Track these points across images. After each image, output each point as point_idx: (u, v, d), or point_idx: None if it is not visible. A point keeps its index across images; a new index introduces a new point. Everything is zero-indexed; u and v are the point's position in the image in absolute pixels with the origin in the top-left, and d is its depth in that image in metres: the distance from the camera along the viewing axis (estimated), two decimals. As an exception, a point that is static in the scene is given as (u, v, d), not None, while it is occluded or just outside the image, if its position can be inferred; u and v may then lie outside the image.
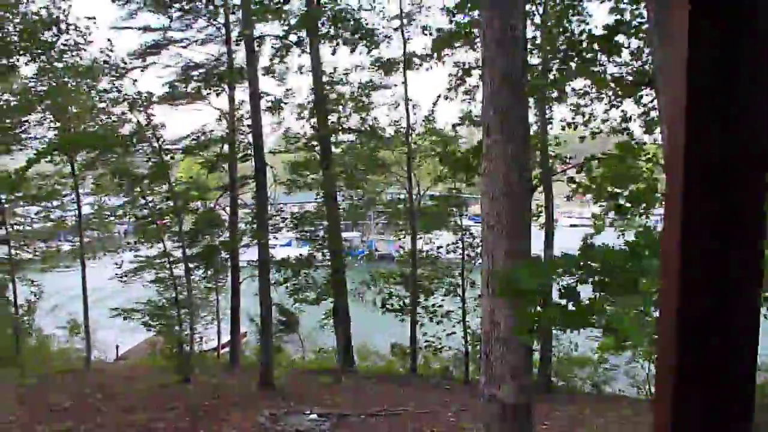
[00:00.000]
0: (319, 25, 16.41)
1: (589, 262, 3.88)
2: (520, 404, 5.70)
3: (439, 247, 16.15)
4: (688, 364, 0.64)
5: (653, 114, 11.98)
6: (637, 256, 3.88)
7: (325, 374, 15.96)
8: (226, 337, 18.62)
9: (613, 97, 11.83)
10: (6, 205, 17.18)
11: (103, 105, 16.19)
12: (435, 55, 15.46)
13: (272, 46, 16.59)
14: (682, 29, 0.60)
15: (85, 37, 15.58)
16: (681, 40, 0.60)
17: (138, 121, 15.32)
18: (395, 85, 17.32)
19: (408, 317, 16.23)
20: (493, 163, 5.74)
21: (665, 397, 0.65)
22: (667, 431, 0.64)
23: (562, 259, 4.01)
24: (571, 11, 11.89)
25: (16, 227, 18.13)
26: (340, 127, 17.77)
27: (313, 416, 11.09)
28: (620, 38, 10.26)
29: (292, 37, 16.56)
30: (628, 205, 11.67)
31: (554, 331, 14.26)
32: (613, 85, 10.28)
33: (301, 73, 17.41)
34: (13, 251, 16.99)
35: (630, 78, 10.35)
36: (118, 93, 15.55)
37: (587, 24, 11.56)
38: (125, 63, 16.00)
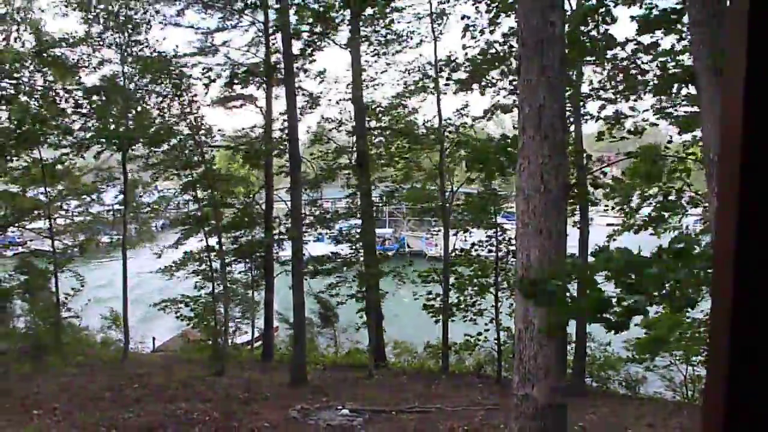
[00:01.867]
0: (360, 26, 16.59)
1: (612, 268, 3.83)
2: (553, 404, 5.64)
3: (472, 245, 16.01)
4: (742, 373, 0.62)
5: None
6: (666, 261, 3.81)
7: (357, 370, 16.03)
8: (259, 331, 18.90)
9: (651, 96, 11.58)
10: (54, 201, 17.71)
11: (157, 103, 16.81)
12: (472, 74, 15.39)
13: (306, 42, 16.69)
14: (742, 24, 0.58)
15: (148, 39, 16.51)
16: (740, 36, 0.58)
17: (190, 119, 15.72)
18: (430, 87, 17.20)
19: (440, 316, 16.15)
20: (528, 160, 5.67)
21: (717, 405, 0.63)
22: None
23: (590, 263, 3.95)
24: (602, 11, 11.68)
25: (59, 220, 18.64)
26: (377, 127, 17.84)
27: (345, 411, 11.15)
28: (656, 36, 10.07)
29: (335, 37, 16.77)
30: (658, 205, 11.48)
31: (588, 330, 14.11)
32: (656, 81, 10.06)
33: (333, 81, 17.56)
34: (56, 243, 17.48)
35: (668, 76, 10.12)
36: (171, 92, 16.02)
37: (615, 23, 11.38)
38: (180, 63, 16.46)
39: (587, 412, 11.15)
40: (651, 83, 10.64)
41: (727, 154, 0.63)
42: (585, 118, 13.98)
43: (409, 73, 17.40)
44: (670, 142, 11.18)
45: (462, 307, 15.58)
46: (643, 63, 10.72)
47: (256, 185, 18.56)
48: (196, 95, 15.95)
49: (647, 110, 12.48)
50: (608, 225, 15.10)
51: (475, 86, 15.58)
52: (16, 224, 17.83)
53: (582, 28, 11.67)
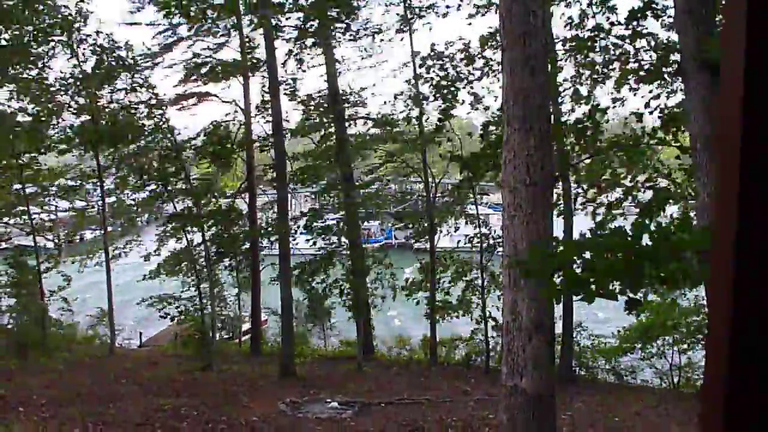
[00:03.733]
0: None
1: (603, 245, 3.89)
2: (542, 394, 5.66)
3: (458, 241, 16.07)
4: (741, 371, 0.60)
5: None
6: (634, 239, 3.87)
7: (346, 363, 16.03)
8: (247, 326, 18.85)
9: (635, 85, 11.58)
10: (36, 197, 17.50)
11: (121, 102, 16.39)
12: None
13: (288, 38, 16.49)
14: (740, 14, 0.56)
15: (108, 35, 15.80)
16: (739, 25, 0.56)
17: (155, 116, 15.50)
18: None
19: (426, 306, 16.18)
20: (513, 152, 5.66)
21: (716, 405, 0.62)
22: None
23: (582, 241, 4.02)
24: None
25: (40, 217, 18.44)
26: (354, 117, 17.63)
27: (334, 404, 11.15)
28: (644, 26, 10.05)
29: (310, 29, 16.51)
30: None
31: (576, 319, 14.20)
32: (638, 72, 10.06)
33: (308, 68, 17.33)
34: (39, 242, 17.34)
35: (653, 65, 10.12)
36: (135, 90, 15.74)
37: (613, 12, 11.34)
38: (145, 59, 16.14)
39: (575, 401, 11.25)
40: (637, 73, 10.65)
41: (726, 153, 0.61)
42: (564, 109, 13.97)
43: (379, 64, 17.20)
44: (654, 129, 11.17)
45: (449, 303, 15.61)
46: (630, 53, 10.72)
47: (235, 182, 18.40)
48: (157, 92, 15.75)
49: (625, 99, 12.50)
50: (594, 213, 15.07)
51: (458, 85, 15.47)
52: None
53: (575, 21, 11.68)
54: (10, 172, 16.61)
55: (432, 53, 15.39)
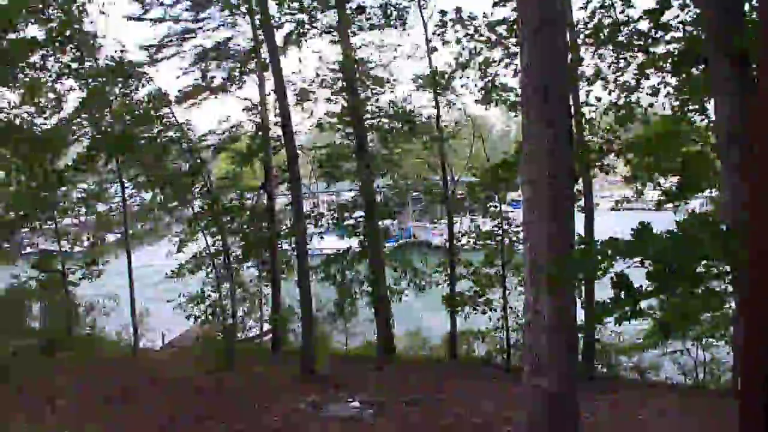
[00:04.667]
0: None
1: (641, 249, 3.67)
2: (564, 393, 5.60)
3: (477, 227, 15.90)
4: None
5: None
6: (692, 242, 3.68)
7: (366, 362, 16.03)
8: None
9: (659, 77, 11.40)
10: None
11: (127, 106, 16.34)
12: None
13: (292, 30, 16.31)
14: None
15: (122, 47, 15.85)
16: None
17: (164, 120, 15.52)
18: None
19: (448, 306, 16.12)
20: (533, 146, 5.59)
21: (755, 409, 0.58)
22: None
23: (614, 245, 3.81)
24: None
25: (64, 224, 18.76)
26: (372, 110, 17.31)
27: (355, 404, 11.15)
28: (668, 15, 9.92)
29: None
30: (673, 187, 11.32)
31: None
32: (663, 63, 9.91)
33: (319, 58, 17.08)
34: (65, 244, 17.71)
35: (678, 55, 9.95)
36: (137, 90, 15.78)
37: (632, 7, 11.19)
38: (148, 57, 16.16)
39: (598, 399, 11.12)
40: (662, 63, 10.48)
41: (764, 152, 0.57)
42: (587, 100, 13.79)
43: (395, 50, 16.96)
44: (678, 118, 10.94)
45: (471, 297, 15.50)
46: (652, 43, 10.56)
47: (254, 182, 18.45)
48: (167, 92, 15.72)
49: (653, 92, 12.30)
50: (613, 210, 14.92)
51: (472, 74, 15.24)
52: (27, 225, 17.92)
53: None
54: (38, 180, 16.88)
55: (454, 17, 14.85)
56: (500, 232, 15.04)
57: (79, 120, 16.64)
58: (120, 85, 15.79)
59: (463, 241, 16.52)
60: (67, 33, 15.26)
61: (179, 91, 16.96)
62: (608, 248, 3.69)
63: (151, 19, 16.93)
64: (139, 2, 16.64)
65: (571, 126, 6.26)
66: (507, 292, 14.78)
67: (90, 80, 15.87)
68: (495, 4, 14.45)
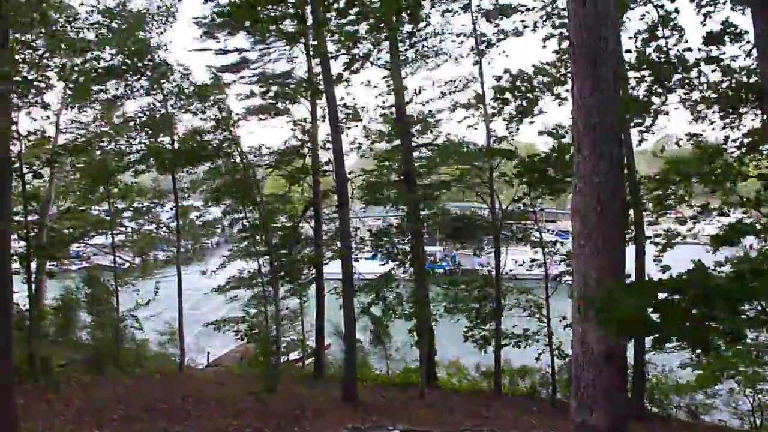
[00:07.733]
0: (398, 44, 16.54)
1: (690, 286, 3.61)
2: (613, 431, 5.45)
3: (520, 265, 15.77)
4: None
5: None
6: (741, 280, 3.60)
7: (408, 389, 15.89)
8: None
9: (715, 113, 11.18)
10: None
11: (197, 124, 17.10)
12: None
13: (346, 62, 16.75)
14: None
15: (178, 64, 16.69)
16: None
17: (227, 137, 16.05)
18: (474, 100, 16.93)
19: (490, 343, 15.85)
20: (584, 180, 5.55)
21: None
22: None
23: (664, 283, 3.75)
24: (663, 24, 11.42)
25: (118, 237, 19.44)
26: (420, 142, 17.51)
27: (396, 432, 11.06)
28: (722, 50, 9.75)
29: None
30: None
31: (647, 355, 13.55)
32: (716, 97, 9.73)
33: (375, 91, 17.46)
34: (117, 259, 18.32)
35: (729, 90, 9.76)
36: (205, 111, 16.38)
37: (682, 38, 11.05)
38: (218, 83, 16.82)
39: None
40: (716, 97, 10.30)
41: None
42: (639, 130, 13.61)
43: (451, 93, 17.14)
44: (738, 159, 10.63)
45: (513, 333, 15.30)
46: (707, 80, 10.38)
47: (302, 202, 18.74)
48: (234, 113, 16.28)
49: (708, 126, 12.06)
50: (654, 243, 14.33)
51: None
52: (82, 240, 18.67)
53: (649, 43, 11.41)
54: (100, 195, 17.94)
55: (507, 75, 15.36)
56: (543, 263, 14.87)
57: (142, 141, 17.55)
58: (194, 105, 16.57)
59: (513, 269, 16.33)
60: (143, 62, 16.36)
61: (243, 109, 17.73)
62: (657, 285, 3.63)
63: (217, 51, 18.13)
64: (207, 35, 17.65)
65: (621, 158, 6.17)
66: (550, 324, 14.52)
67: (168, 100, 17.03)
68: (546, 39, 14.64)
